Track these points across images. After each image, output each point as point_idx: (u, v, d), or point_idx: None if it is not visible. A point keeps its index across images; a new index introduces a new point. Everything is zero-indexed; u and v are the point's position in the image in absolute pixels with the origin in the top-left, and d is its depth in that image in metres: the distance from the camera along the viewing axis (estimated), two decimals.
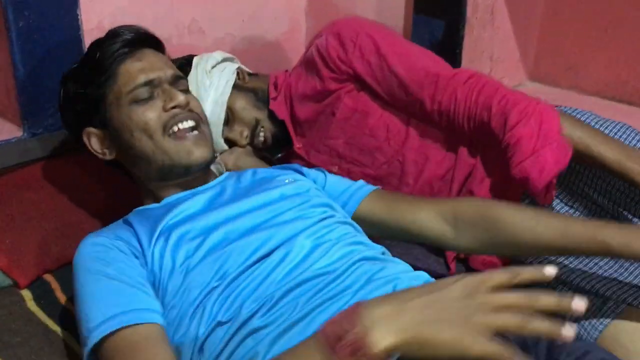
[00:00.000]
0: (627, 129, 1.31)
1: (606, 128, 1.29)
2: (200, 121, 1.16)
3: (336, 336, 0.69)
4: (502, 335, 0.68)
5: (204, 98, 1.42)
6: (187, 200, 1.10)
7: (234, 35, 1.89)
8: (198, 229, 1.03)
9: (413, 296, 0.71)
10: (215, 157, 1.41)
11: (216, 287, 0.95)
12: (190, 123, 1.13)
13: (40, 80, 1.43)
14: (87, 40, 1.42)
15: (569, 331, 0.65)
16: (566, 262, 1.27)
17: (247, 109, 1.48)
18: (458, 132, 1.35)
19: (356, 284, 0.92)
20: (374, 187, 1.22)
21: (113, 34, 1.17)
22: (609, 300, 1.24)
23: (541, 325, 0.67)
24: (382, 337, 0.68)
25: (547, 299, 0.68)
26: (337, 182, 1.24)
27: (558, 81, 1.99)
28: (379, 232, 1.20)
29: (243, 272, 0.96)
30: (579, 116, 1.30)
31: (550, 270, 0.69)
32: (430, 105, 1.33)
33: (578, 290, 1.27)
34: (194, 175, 1.15)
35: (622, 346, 1.19)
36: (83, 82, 1.16)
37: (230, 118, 1.47)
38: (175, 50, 1.48)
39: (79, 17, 1.46)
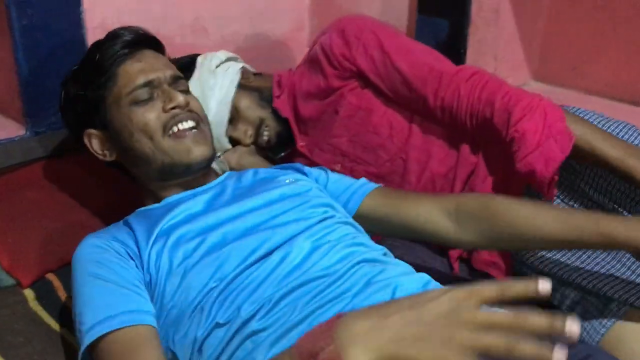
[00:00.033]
0: (630, 128, 1.30)
1: (610, 127, 1.29)
2: (200, 121, 1.15)
3: (310, 353, 0.67)
4: (486, 356, 0.63)
5: (209, 97, 1.42)
6: (187, 200, 1.10)
7: (238, 35, 1.89)
8: (197, 230, 1.03)
9: (394, 311, 0.67)
10: (217, 156, 1.41)
11: (214, 287, 0.95)
12: (190, 123, 1.12)
13: (43, 78, 1.43)
14: (90, 39, 1.42)
15: (560, 355, 0.60)
16: (568, 261, 1.26)
17: (251, 108, 1.48)
18: (460, 130, 1.34)
19: (355, 286, 0.92)
20: (376, 185, 1.22)
21: (113, 36, 1.17)
22: (612, 302, 1.23)
23: (529, 349, 0.61)
24: (357, 357, 0.65)
25: (538, 320, 0.63)
26: (339, 181, 1.24)
27: (562, 81, 1.98)
28: (382, 230, 1.19)
29: (241, 272, 0.95)
30: (582, 115, 1.30)
31: (545, 285, 0.63)
32: (433, 101, 1.33)
33: (580, 289, 1.27)
34: (195, 175, 1.14)
35: (625, 349, 1.19)
36: (83, 83, 1.16)
37: (234, 117, 1.47)
38: (178, 49, 1.47)
39: (82, 15, 1.46)
